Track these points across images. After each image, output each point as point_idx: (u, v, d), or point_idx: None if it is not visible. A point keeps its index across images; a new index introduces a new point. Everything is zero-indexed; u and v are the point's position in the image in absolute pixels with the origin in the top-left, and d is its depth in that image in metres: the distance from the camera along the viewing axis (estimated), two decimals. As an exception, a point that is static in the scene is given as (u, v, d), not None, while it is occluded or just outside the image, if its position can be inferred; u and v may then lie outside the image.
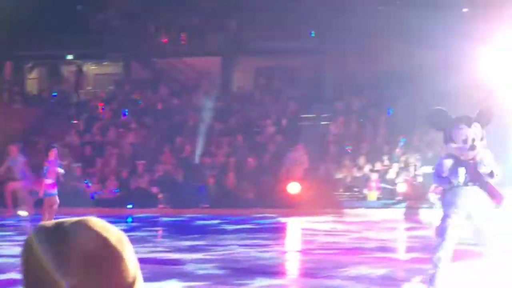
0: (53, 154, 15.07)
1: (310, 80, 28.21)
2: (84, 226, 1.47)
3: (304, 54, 28.10)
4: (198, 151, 22.87)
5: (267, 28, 30.07)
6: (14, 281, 8.48)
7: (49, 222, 1.50)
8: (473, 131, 7.45)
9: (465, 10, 29.13)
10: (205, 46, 30.28)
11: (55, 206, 14.62)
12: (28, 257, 1.48)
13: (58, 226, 1.48)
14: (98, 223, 1.48)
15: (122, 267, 1.46)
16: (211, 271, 9.05)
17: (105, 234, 1.46)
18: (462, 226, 7.49)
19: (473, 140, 7.43)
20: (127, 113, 26.18)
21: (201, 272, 8.91)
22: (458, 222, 7.42)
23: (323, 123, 25.63)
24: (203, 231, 14.62)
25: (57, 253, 1.43)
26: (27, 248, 1.48)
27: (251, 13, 30.84)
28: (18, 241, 13.14)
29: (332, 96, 27.19)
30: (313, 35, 29.65)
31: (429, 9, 28.29)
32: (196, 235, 13.58)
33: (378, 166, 21.51)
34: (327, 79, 28.09)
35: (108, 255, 1.45)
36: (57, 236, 1.45)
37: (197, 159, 22.54)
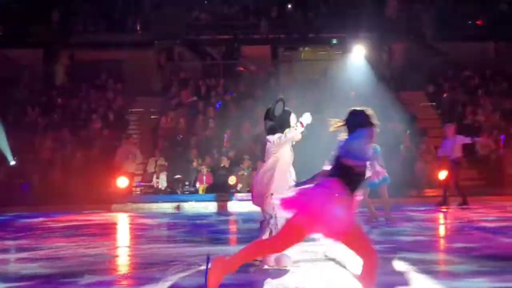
0: None
1: (138, 73, 27.85)
2: None
3: (130, 47, 27.72)
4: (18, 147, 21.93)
5: (92, 21, 29.40)
6: None
7: None
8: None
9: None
10: (26, 37, 29.10)
11: None
12: None
13: None
14: None
15: None
16: (36, 271, 8.63)
17: None
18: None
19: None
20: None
21: (25, 272, 8.47)
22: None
23: (152, 117, 25.44)
24: (27, 230, 14.03)
25: None
26: None
27: (75, 5, 30.02)
28: None
29: (161, 89, 27.05)
30: (138, 27, 29.34)
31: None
32: (19, 234, 13.03)
33: (207, 159, 21.64)
34: (155, 73, 27.88)
35: None
36: None
37: (16, 155, 21.60)
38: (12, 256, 10.13)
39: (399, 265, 8.24)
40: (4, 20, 29.62)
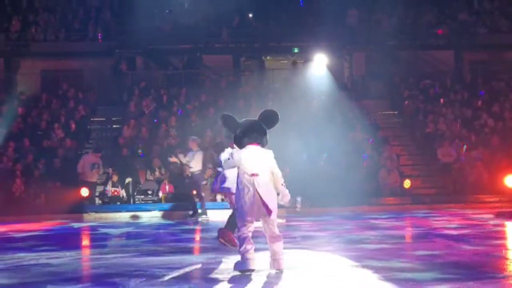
0: None
1: (99, 82, 27.72)
2: None
3: (91, 56, 27.58)
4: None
5: (53, 30, 29.17)
6: None
7: None
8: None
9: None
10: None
11: None
12: None
13: None
14: None
15: None
16: (-2, 282, 8.52)
17: None
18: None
19: None
20: None
21: (-14, 283, 8.36)
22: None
23: (114, 126, 25.32)
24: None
25: None
26: None
27: (36, 14, 29.78)
28: None
29: (123, 98, 26.94)
30: (99, 36, 29.18)
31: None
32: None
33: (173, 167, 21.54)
34: (116, 82, 27.75)
35: None
36: None
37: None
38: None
39: (363, 273, 8.29)
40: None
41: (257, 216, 8.07)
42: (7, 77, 28.25)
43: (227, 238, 10.17)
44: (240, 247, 8.12)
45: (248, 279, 7.91)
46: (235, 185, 8.36)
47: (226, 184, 10.71)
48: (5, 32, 29.08)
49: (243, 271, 8.09)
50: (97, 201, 21.18)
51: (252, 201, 7.94)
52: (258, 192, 7.91)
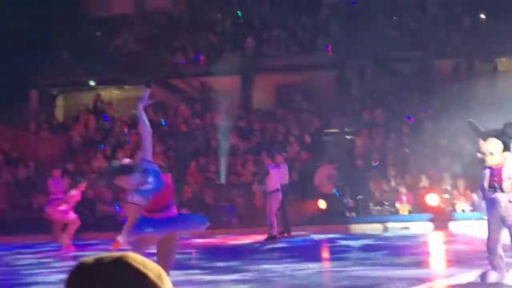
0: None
1: (331, 94, 28.25)
2: (123, 264, 1.48)
3: (322, 68, 28.16)
4: (223, 171, 22.95)
5: (284, 45, 30.21)
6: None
7: (89, 259, 1.53)
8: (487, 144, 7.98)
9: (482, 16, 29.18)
10: (223, 65, 30.47)
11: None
12: None
13: (98, 263, 1.50)
14: (137, 259, 1.50)
15: None
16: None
17: (144, 270, 1.47)
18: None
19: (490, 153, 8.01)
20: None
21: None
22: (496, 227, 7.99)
23: (348, 137, 25.65)
24: (236, 251, 14.64)
25: None
26: (70, 287, 1.50)
27: (267, 31, 31.04)
28: (56, 267, 13.29)
29: (355, 109, 27.22)
30: (328, 48, 29.74)
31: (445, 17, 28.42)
32: (229, 256, 13.59)
33: (407, 178, 21.34)
34: (348, 93, 28.10)
35: None
36: (97, 275, 1.47)
37: (223, 179, 22.64)
38: (224, 277, 10.60)
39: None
40: (201, 50, 31.19)
41: None
42: (243, 94, 29.69)
43: None
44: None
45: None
46: None
47: None
48: (241, 50, 30.61)
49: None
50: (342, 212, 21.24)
51: None
52: None
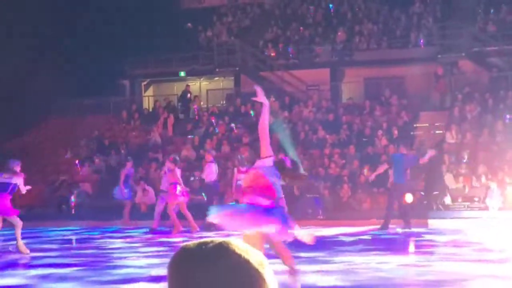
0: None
1: (422, 88, 27.85)
2: (225, 249, 1.49)
3: (414, 62, 27.76)
4: (310, 163, 22.94)
5: (376, 38, 29.95)
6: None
7: (192, 243, 1.54)
8: None
9: None
10: (313, 58, 30.46)
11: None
12: (172, 280, 1.51)
13: (201, 248, 1.51)
14: (240, 245, 1.51)
15: None
16: (332, 283, 9.06)
17: (246, 256, 1.48)
18: None
19: None
20: (238, 127, 26.60)
21: (321, 284, 8.93)
22: None
23: (437, 132, 25.22)
24: (320, 243, 14.62)
25: (201, 277, 1.46)
26: (172, 271, 1.52)
27: (360, 24, 30.83)
28: (143, 252, 13.61)
29: (445, 104, 26.75)
30: (421, 42, 29.28)
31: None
32: (314, 247, 13.58)
33: (499, 175, 20.80)
34: (439, 87, 27.61)
35: (251, 279, 1.47)
36: (200, 259, 1.48)
37: (310, 172, 22.61)
38: (308, 267, 10.62)
39: None
40: (292, 43, 31.26)
41: None
42: (333, 86, 29.62)
43: None
44: None
45: None
46: None
47: None
48: (331, 43, 30.53)
49: None
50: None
51: None
52: None
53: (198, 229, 16.94)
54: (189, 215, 17.24)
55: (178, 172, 17.19)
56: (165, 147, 26.27)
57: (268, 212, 7.74)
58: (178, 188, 16.91)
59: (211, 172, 19.36)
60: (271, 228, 7.60)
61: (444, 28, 28.52)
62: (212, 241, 1.51)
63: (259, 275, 1.47)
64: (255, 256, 1.49)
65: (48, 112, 30.20)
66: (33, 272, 10.99)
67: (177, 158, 17.69)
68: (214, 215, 7.49)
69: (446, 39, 28.05)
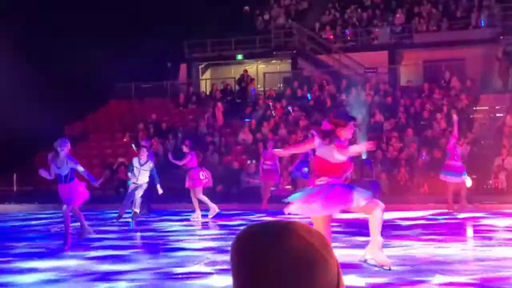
0: None
1: (481, 71, 27.34)
2: (290, 231, 1.48)
3: (475, 44, 27.27)
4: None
5: (436, 20, 29.48)
6: (198, 274, 8.86)
7: (256, 225, 1.54)
8: None
9: None
10: (371, 41, 30.16)
11: None
12: (236, 260, 1.51)
13: (265, 229, 1.51)
14: (304, 227, 1.50)
15: (327, 271, 1.48)
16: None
17: (310, 239, 1.48)
18: None
19: None
20: (295, 110, 26.55)
21: (378, 268, 8.87)
22: None
23: (498, 115, 24.75)
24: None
25: (265, 256, 1.46)
26: (236, 251, 1.52)
27: (420, 6, 30.37)
28: (201, 235, 13.73)
29: (506, 86, 26.23)
30: (483, 23, 28.72)
31: None
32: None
33: None
34: (501, 70, 27.07)
35: (314, 260, 1.46)
36: (264, 240, 1.48)
37: (365, 155, 22.42)
38: (364, 252, 10.58)
39: None
40: (350, 25, 30.99)
41: None
42: (391, 68, 29.29)
43: None
44: None
45: None
46: None
47: None
48: (389, 25, 30.17)
49: None
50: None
51: None
52: None
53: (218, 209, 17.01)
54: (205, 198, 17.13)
55: (193, 156, 17.15)
56: (221, 130, 26.39)
57: (348, 187, 7.84)
58: (201, 174, 16.90)
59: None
60: (360, 202, 7.74)
61: (506, 8, 27.90)
62: (276, 222, 1.52)
63: (322, 256, 1.47)
64: (318, 237, 1.49)
65: (108, 96, 30.60)
66: (93, 253, 11.18)
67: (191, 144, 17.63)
68: (294, 207, 7.70)
69: (508, 20, 27.44)
